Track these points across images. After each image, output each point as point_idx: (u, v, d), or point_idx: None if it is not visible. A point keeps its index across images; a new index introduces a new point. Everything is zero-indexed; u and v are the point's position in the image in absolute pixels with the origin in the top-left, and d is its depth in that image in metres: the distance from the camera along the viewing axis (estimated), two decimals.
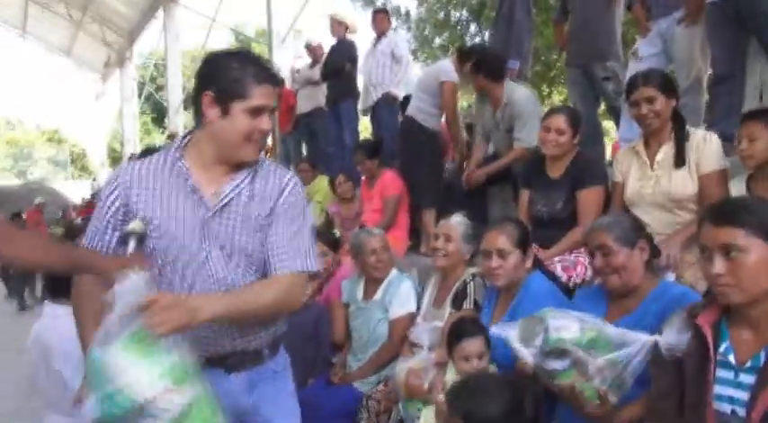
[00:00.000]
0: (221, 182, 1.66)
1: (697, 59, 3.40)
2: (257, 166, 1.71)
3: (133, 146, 19.13)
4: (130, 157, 17.04)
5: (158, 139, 28.19)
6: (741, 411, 1.41)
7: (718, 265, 1.42)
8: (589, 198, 2.85)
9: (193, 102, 1.68)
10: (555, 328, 1.67)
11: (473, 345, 2.16)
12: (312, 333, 3.21)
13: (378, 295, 3.03)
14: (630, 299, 2.01)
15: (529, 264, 2.30)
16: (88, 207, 17.48)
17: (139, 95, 21.21)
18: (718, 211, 1.50)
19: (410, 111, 4.49)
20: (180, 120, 14.96)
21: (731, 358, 1.47)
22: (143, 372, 1.32)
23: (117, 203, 1.65)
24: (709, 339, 1.49)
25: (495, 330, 1.85)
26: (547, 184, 3.02)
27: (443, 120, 4.75)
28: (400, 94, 5.53)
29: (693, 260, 2.29)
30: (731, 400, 1.44)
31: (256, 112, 1.59)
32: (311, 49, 6.79)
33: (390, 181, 4.43)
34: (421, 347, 2.55)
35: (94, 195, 19.50)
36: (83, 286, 1.69)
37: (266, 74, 1.62)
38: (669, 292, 1.96)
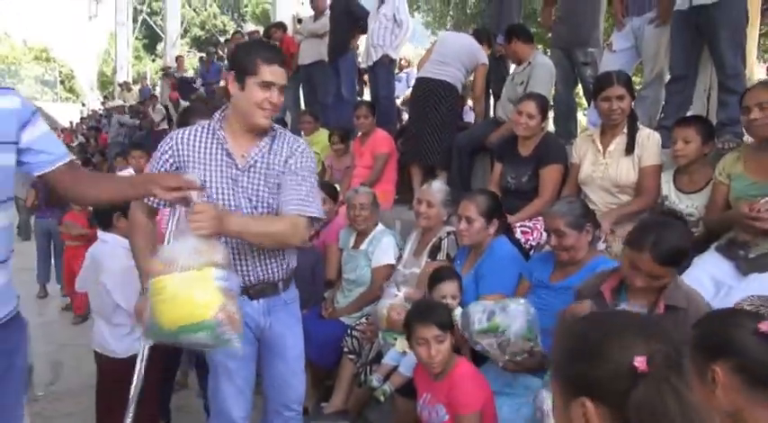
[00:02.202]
0: (248, 147, 2.17)
1: (662, 58, 3.85)
2: (275, 133, 2.22)
3: (126, 73, 19.10)
4: (122, 85, 17.06)
5: (149, 66, 27.85)
6: None
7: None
8: (549, 175, 3.38)
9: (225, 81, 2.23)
10: (474, 322, 2.30)
11: (449, 287, 2.68)
12: (309, 274, 3.72)
13: (363, 246, 3.57)
14: (572, 266, 2.53)
15: (492, 230, 2.81)
16: (73, 132, 17.66)
17: (134, 20, 20.87)
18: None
19: (445, 76, 4.54)
20: (175, 52, 14.95)
21: None
22: None
23: (171, 161, 2.16)
24: (608, 300, 2.06)
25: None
26: (517, 160, 3.53)
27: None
28: (397, 57, 5.87)
29: (623, 234, 2.84)
30: None
31: (266, 86, 2.06)
32: (314, 2, 7.04)
33: (382, 139, 4.89)
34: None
35: (83, 120, 19.54)
36: (137, 219, 2.23)
37: (273, 56, 2.09)
38: (600, 265, 2.47)
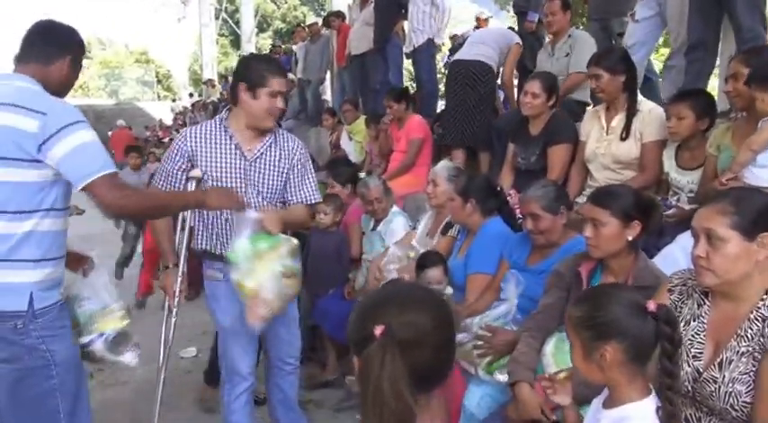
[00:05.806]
0: (254, 142, 2.51)
1: (685, 25, 3.69)
2: (276, 132, 2.56)
3: (211, 70, 20.20)
4: (206, 83, 18.12)
5: (235, 62, 29.17)
6: None
7: (588, 231, 2.08)
8: (557, 153, 3.39)
9: (231, 88, 2.53)
10: None
11: (433, 273, 2.79)
12: (335, 254, 3.97)
13: (379, 228, 3.75)
14: (549, 249, 2.55)
15: (468, 210, 2.88)
16: (168, 129, 18.98)
17: (216, 18, 21.92)
18: (597, 194, 2.15)
19: (480, 57, 4.55)
20: (251, 47, 15.68)
21: None
22: None
23: (186, 155, 2.49)
24: (584, 280, 2.13)
25: None
26: (527, 140, 3.55)
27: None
28: (440, 42, 5.92)
29: None
30: None
31: (274, 95, 2.40)
32: None
33: (416, 125, 4.99)
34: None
35: (177, 116, 20.89)
36: None
37: (279, 70, 2.47)
38: (576, 247, 2.44)
